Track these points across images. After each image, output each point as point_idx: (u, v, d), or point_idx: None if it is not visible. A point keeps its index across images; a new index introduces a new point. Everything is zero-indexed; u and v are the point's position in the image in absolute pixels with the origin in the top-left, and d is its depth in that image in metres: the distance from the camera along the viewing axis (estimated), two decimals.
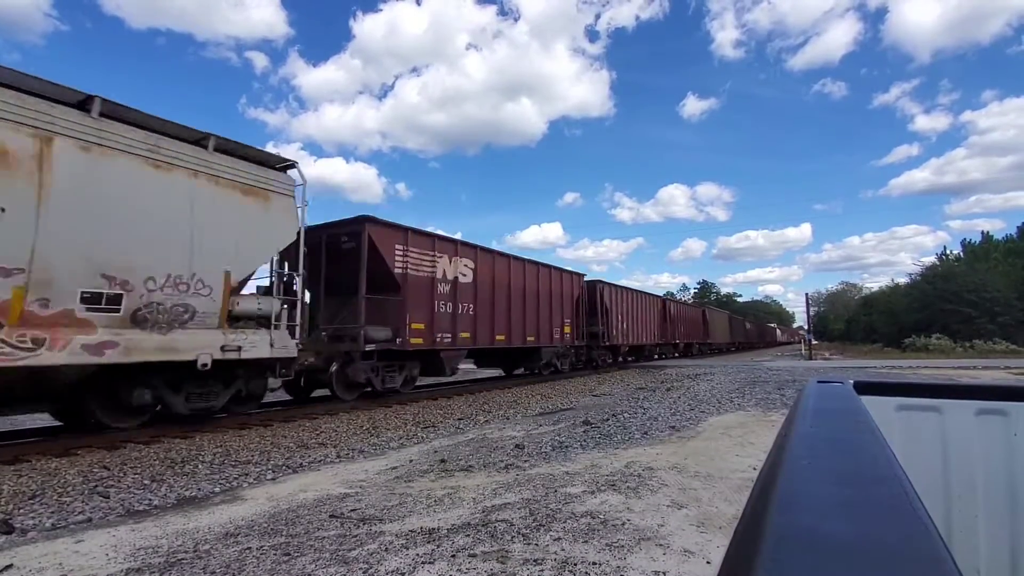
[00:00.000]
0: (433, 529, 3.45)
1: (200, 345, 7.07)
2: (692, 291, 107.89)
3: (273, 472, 5.35)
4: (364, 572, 2.84)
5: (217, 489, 4.77)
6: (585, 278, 19.31)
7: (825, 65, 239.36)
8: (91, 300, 6.06)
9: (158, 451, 6.24)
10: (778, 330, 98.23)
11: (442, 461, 5.51)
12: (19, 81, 5.71)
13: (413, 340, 10.73)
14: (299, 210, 8.52)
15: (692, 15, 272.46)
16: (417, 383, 11.79)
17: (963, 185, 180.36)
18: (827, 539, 0.43)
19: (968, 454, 1.75)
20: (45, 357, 5.64)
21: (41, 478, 5.02)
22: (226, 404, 7.96)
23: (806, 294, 41.11)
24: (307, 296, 9.59)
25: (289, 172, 8.50)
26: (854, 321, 61.79)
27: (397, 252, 10.58)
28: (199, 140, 7.32)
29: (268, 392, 8.90)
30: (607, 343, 20.23)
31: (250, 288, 8.75)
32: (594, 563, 2.87)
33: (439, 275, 11.57)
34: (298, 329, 8.51)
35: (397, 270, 10.51)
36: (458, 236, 13.16)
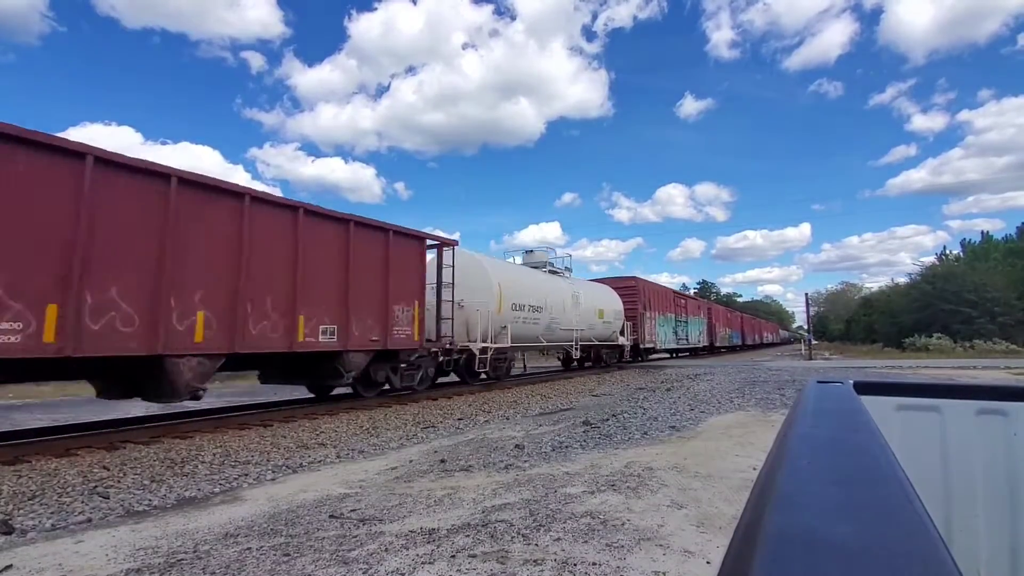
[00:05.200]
0: (433, 529, 3.45)
1: None
2: (692, 291, 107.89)
3: (273, 472, 5.35)
4: (364, 572, 2.84)
5: (217, 489, 4.77)
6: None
7: (821, 65, 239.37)
8: None
9: (158, 451, 6.24)
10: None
11: (442, 461, 5.51)
12: None
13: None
14: None
15: (688, 15, 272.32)
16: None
17: (961, 185, 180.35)
18: (826, 539, 0.43)
19: (968, 454, 1.74)
20: None
21: (41, 478, 5.02)
22: None
23: (806, 294, 40.89)
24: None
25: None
26: (854, 321, 61.79)
27: None
28: None
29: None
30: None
31: None
32: (594, 563, 2.87)
33: None
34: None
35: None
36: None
